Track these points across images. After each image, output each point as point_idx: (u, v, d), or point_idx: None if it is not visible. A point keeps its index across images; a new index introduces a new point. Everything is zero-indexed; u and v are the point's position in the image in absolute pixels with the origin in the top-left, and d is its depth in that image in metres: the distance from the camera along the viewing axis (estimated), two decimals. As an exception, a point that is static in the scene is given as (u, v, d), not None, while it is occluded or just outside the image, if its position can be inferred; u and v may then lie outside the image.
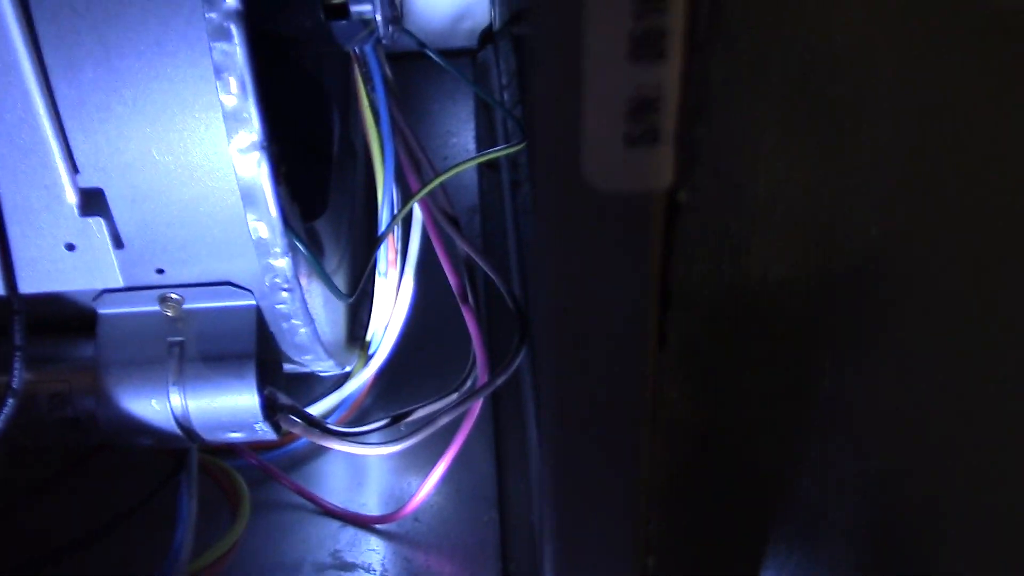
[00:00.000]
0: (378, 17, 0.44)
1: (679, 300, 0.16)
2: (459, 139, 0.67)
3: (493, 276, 0.47)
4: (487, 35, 0.73)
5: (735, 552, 0.22)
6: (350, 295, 0.41)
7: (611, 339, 0.16)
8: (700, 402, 0.18)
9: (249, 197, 0.34)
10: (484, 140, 0.67)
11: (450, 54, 0.70)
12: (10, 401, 0.27)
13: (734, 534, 0.22)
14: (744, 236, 0.19)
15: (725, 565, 0.22)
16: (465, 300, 0.47)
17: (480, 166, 0.63)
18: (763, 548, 0.24)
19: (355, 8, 0.43)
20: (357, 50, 0.47)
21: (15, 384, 0.27)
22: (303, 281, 0.37)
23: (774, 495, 0.24)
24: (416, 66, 0.64)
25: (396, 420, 0.45)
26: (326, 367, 0.43)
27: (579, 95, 0.13)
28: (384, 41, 0.45)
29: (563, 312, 0.16)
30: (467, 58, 0.73)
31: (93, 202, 0.34)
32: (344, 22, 0.44)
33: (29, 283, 0.34)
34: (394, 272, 0.49)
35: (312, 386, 0.50)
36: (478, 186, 0.63)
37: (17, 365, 0.27)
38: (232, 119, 0.32)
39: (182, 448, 0.41)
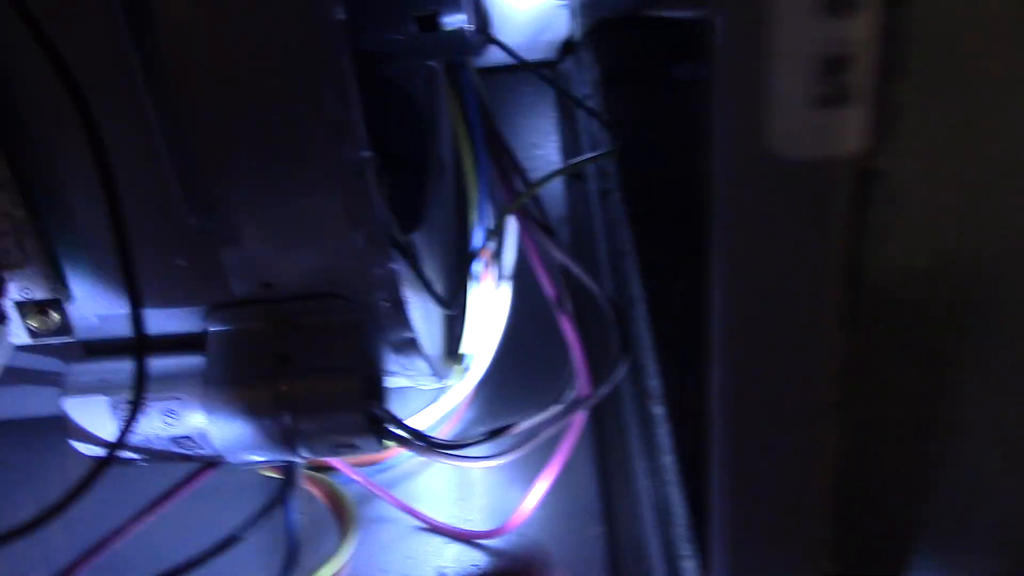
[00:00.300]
0: (469, 28, 0.44)
1: (870, 280, 0.15)
2: (543, 151, 0.66)
3: (591, 285, 0.46)
4: (567, 46, 0.73)
5: (884, 556, 0.21)
6: (450, 307, 0.40)
7: (794, 325, 0.15)
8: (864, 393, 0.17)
9: (354, 210, 0.34)
10: (569, 151, 0.66)
11: (535, 65, 0.70)
12: (133, 417, 0.27)
13: (882, 537, 0.21)
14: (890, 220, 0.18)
15: (875, 567, 0.21)
16: (563, 310, 0.46)
17: (567, 176, 0.63)
18: (907, 555, 0.23)
19: (446, 20, 0.43)
20: (447, 62, 0.47)
21: (141, 401, 0.27)
22: (406, 293, 0.37)
23: (919, 498, 0.23)
24: (496, 79, 0.64)
25: (499, 433, 0.44)
26: (427, 380, 0.43)
27: (767, 52, 0.12)
28: (475, 53, 0.45)
29: (743, 292, 0.15)
30: (547, 70, 0.73)
31: (205, 219, 0.34)
32: (435, 34, 0.44)
33: (148, 299, 0.34)
34: (489, 284, 0.48)
35: (409, 400, 0.49)
36: (565, 196, 0.63)
37: (142, 383, 0.27)
38: (335, 130, 0.32)
39: (287, 465, 0.41)
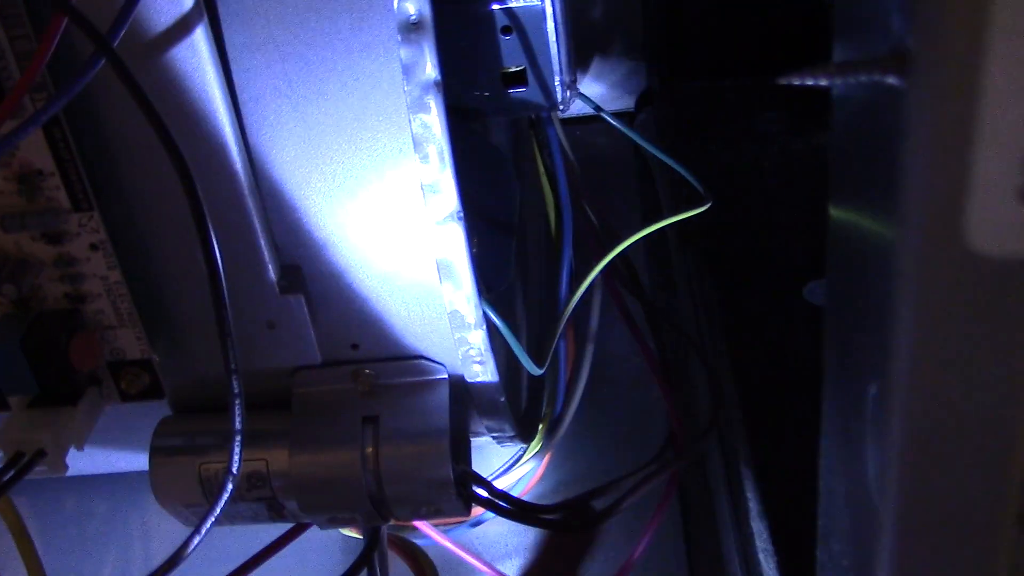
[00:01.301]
0: (558, 83, 0.43)
1: None
2: (623, 204, 0.66)
3: (685, 344, 0.45)
4: (646, 97, 0.72)
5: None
6: (540, 367, 0.40)
7: (985, 433, 0.14)
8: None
9: (445, 269, 0.33)
10: (649, 204, 0.66)
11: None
12: (229, 486, 0.27)
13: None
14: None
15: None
16: (658, 371, 0.45)
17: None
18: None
19: (534, 75, 0.43)
20: (533, 116, 0.46)
21: (234, 468, 0.27)
22: (494, 354, 0.36)
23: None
24: (572, 132, 0.63)
25: (591, 497, 0.43)
26: (510, 440, 0.42)
27: (971, 143, 0.11)
28: (561, 108, 0.45)
29: (931, 396, 0.14)
30: (624, 120, 0.72)
31: (292, 279, 0.34)
32: (523, 89, 0.43)
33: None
34: (571, 341, 0.47)
35: (490, 461, 0.49)
36: (644, 249, 0.62)
37: (237, 449, 0.26)
38: (430, 191, 0.32)
39: (371, 526, 0.40)
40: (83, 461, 0.36)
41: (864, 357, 0.19)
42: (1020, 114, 0.11)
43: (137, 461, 0.40)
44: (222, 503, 0.27)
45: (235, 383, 0.26)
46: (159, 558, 0.31)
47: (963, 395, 0.14)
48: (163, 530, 0.49)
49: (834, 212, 0.25)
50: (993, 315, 0.13)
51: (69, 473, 0.33)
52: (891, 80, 0.17)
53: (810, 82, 0.19)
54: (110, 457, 0.42)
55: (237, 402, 0.26)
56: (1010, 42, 0.11)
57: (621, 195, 0.66)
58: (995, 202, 0.12)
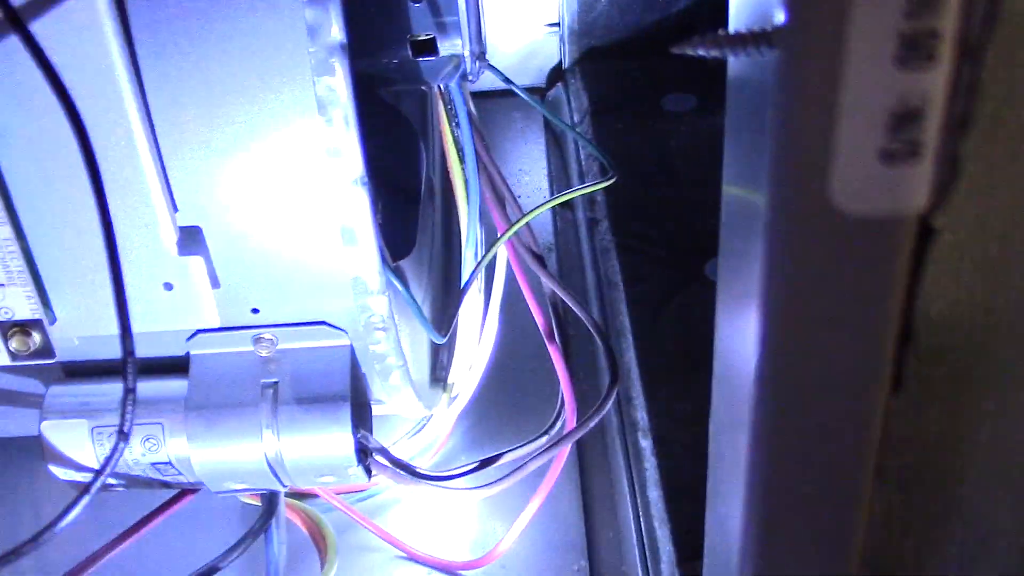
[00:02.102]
0: (466, 53, 0.43)
1: (919, 336, 0.14)
2: (532, 177, 0.66)
3: (581, 315, 0.46)
4: (556, 73, 0.73)
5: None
6: (442, 335, 0.40)
7: (840, 378, 0.15)
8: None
9: (348, 234, 0.33)
10: (558, 178, 0.66)
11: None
12: (120, 445, 0.26)
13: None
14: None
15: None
16: (552, 339, 0.46)
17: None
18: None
19: (444, 44, 0.43)
20: (442, 86, 0.46)
21: (126, 428, 0.26)
22: (396, 321, 0.36)
23: (930, 549, 0.22)
24: (485, 104, 0.63)
25: (485, 464, 0.43)
26: (413, 409, 0.42)
27: (835, 103, 0.12)
28: (471, 78, 0.45)
29: (794, 348, 0.15)
30: (536, 96, 0.72)
31: (191, 241, 0.33)
32: (432, 58, 0.43)
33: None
34: (477, 312, 0.48)
35: (393, 428, 0.49)
36: (552, 224, 0.63)
37: (129, 409, 0.26)
38: (334, 155, 0.32)
39: (269, 493, 0.40)
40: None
41: (746, 326, 0.19)
42: (879, 82, 0.12)
43: (24, 426, 0.39)
44: (113, 462, 0.26)
45: (128, 343, 0.26)
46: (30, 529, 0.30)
47: (827, 338, 0.14)
48: (54, 497, 0.48)
49: (725, 188, 0.26)
50: (857, 270, 0.13)
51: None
52: (764, 52, 0.18)
53: (700, 52, 0.19)
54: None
55: (130, 361, 0.26)
56: (871, 9, 0.11)
57: (530, 168, 0.67)
58: (856, 164, 0.12)
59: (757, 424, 0.16)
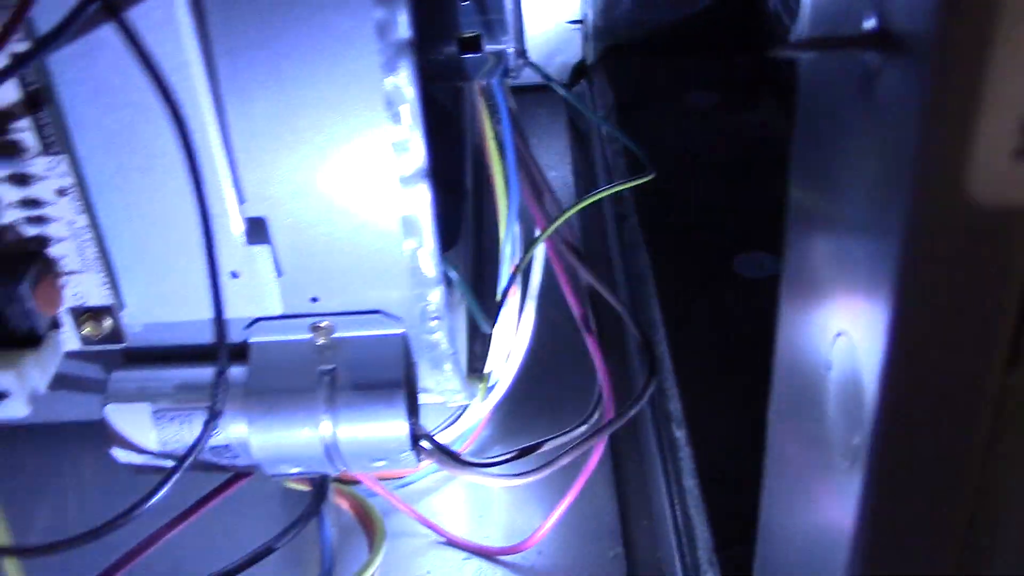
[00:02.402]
0: (510, 50, 0.44)
1: None
2: (558, 172, 0.67)
3: (619, 308, 0.47)
4: (579, 70, 0.74)
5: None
6: (492, 325, 0.41)
7: (961, 364, 0.16)
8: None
9: (409, 226, 0.34)
10: (583, 174, 0.67)
11: (542, 89, 0.71)
12: (215, 423, 0.27)
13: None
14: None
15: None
16: (590, 331, 0.47)
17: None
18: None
19: (489, 42, 0.44)
20: (482, 82, 0.47)
21: (219, 407, 0.27)
22: (447, 311, 0.37)
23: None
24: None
25: (525, 453, 0.44)
26: (459, 398, 0.43)
27: (976, 104, 0.13)
28: (512, 74, 0.46)
29: (921, 328, 0.16)
30: (557, 93, 0.73)
31: (257, 231, 0.34)
32: (477, 55, 0.44)
33: (195, 310, 0.34)
34: (515, 302, 0.49)
35: (428, 417, 0.50)
36: (579, 219, 0.64)
37: (220, 388, 0.27)
38: (400, 149, 0.33)
39: (319, 477, 0.41)
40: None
41: (820, 316, 0.20)
42: (1018, 86, 0.13)
43: (83, 411, 0.40)
44: (204, 441, 0.27)
45: (222, 327, 0.27)
46: (96, 512, 0.31)
47: (950, 319, 0.15)
48: (100, 481, 0.49)
49: (795, 191, 0.26)
50: (986, 257, 0.15)
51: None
52: (869, 56, 0.19)
53: (787, 55, 0.20)
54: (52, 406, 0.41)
55: (223, 345, 0.27)
56: (1015, 24, 0.12)
57: (555, 164, 0.68)
58: (994, 160, 0.13)
59: (880, 415, 0.17)
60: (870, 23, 0.19)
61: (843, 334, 0.21)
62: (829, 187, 0.22)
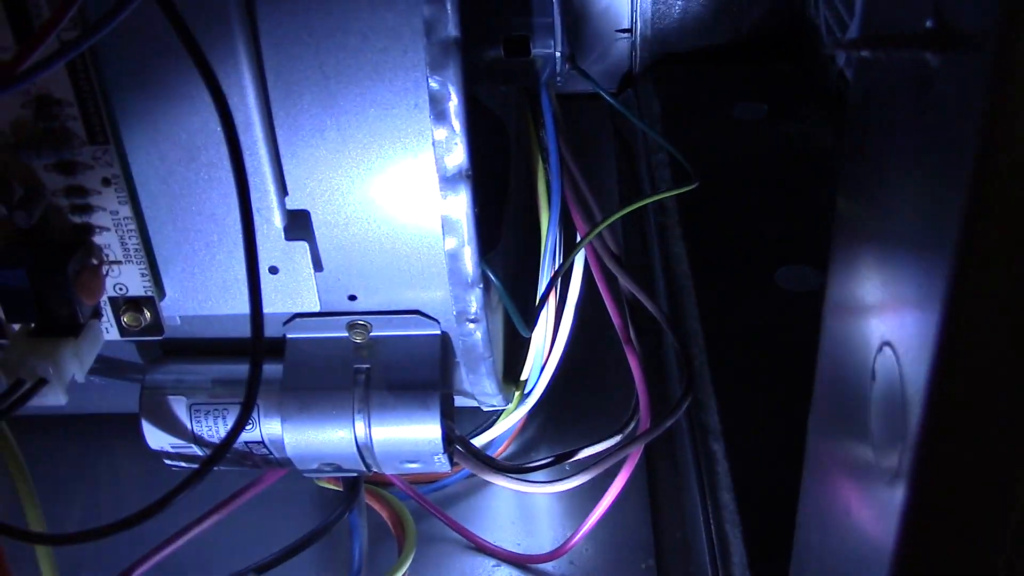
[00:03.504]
0: (558, 54, 0.44)
1: None
2: (602, 180, 0.67)
3: (658, 317, 0.46)
4: (627, 79, 0.73)
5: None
6: (530, 330, 0.41)
7: (1012, 367, 0.16)
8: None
9: (450, 226, 0.34)
10: (626, 182, 0.67)
11: (587, 97, 0.70)
12: (247, 419, 0.27)
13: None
14: None
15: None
16: (628, 340, 0.46)
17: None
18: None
19: (537, 45, 0.44)
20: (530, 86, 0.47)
21: (252, 402, 0.27)
22: (486, 313, 0.37)
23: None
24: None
25: (560, 459, 0.44)
26: (494, 401, 0.43)
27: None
28: (559, 80, 0.45)
29: (959, 340, 0.15)
30: (601, 102, 0.73)
31: (299, 226, 0.34)
32: (525, 58, 0.44)
33: (234, 304, 0.34)
34: (553, 308, 0.48)
35: (463, 420, 0.49)
36: (622, 228, 0.63)
37: (255, 384, 0.27)
38: (442, 147, 0.33)
39: (352, 477, 0.41)
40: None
41: (871, 329, 0.20)
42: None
43: (119, 403, 0.40)
44: (237, 435, 0.27)
45: (259, 319, 0.27)
46: (130, 502, 0.31)
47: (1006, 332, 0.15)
48: (133, 474, 0.49)
49: (842, 201, 0.26)
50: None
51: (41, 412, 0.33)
52: (928, 56, 0.18)
53: (846, 53, 0.20)
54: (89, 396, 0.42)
55: (257, 343, 0.27)
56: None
57: (598, 172, 0.67)
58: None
59: (924, 430, 0.17)
60: (927, 23, 0.18)
61: (888, 345, 0.20)
62: (878, 197, 0.21)
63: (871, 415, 0.22)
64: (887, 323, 0.20)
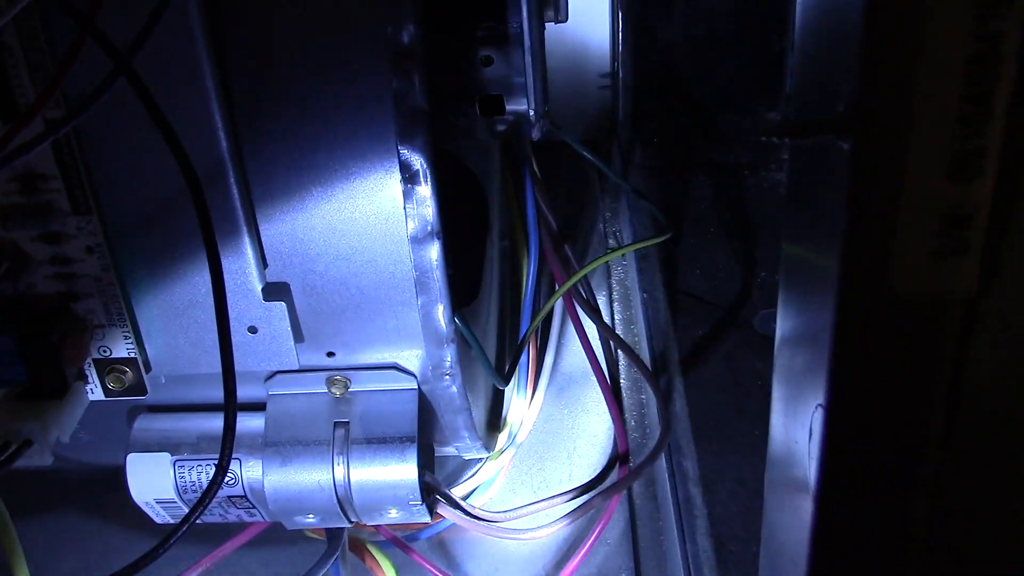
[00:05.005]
0: (532, 112, 0.45)
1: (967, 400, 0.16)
2: (584, 226, 0.68)
3: (636, 366, 0.47)
4: (609, 126, 0.75)
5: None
6: (505, 382, 0.42)
7: (896, 435, 0.17)
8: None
9: (423, 284, 0.35)
10: (611, 228, 0.68)
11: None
12: (219, 477, 0.28)
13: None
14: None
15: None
16: (607, 386, 0.47)
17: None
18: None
19: (510, 102, 0.45)
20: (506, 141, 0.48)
21: (226, 462, 0.28)
22: (461, 366, 0.38)
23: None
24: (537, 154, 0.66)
25: (539, 507, 0.45)
26: (474, 450, 0.44)
27: (896, 206, 0.14)
28: (535, 136, 0.47)
29: (854, 407, 0.16)
30: (589, 149, 0.74)
31: (276, 289, 0.35)
32: (500, 116, 0.45)
33: (215, 363, 0.35)
34: (533, 357, 0.50)
35: (446, 469, 0.50)
36: (606, 273, 0.64)
37: (229, 443, 0.28)
38: (412, 209, 0.34)
39: (333, 528, 0.42)
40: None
41: (809, 383, 0.21)
42: (935, 192, 0.14)
43: (110, 455, 0.41)
44: (212, 493, 0.28)
45: (231, 380, 0.28)
46: (117, 556, 0.32)
47: (881, 400, 0.16)
48: (120, 526, 0.50)
49: (786, 247, 0.27)
50: (912, 343, 0.15)
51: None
52: (842, 144, 0.20)
53: (774, 139, 0.21)
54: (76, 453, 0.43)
55: (230, 399, 0.28)
56: (928, 130, 0.13)
57: (581, 217, 0.69)
58: (914, 257, 0.14)
59: (820, 483, 0.18)
60: (839, 108, 0.20)
61: (819, 407, 0.21)
62: (810, 249, 0.22)
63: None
64: (817, 381, 0.22)
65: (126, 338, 0.34)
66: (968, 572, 0.19)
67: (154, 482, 0.38)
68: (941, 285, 0.14)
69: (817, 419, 0.22)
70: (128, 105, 0.30)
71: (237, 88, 0.32)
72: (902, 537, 0.18)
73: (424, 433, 0.39)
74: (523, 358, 0.49)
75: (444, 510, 0.42)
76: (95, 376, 0.35)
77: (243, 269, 0.34)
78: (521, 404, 0.49)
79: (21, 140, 0.27)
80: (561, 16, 0.43)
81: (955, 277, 0.14)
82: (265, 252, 0.34)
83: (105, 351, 0.35)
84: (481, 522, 0.43)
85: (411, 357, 0.38)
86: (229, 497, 0.38)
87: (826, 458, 0.17)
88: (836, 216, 0.16)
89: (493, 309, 0.51)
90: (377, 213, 0.34)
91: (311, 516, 0.39)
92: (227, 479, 0.38)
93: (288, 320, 0.35)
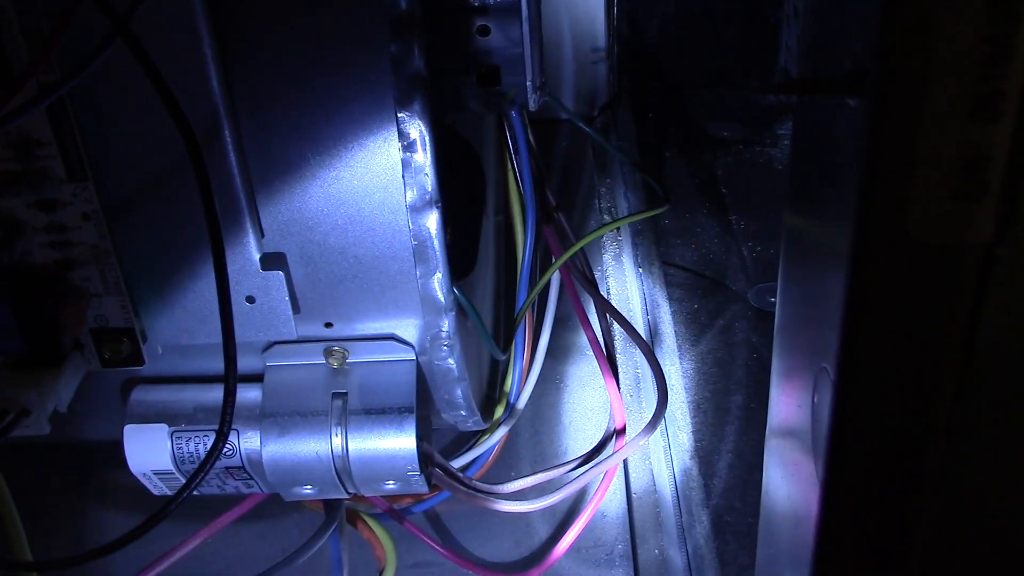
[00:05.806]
0: (529, 84, 0.45)
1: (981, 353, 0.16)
2: (580, 200, 0.68)
3: (633, 338, 0.47)
4: (606, 102, 0.74)
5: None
6: (503, 353, 0.42)
7: (909, 388, 0.17)
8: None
9: (421, 254, 0.35)
10: (606, 202, 0.68)
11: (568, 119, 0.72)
12: (222, 445, 0.28)
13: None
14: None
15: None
16: (603, 359, 0.47)
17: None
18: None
19: (507, 74, 0.45)
20: (502, 113, 0.48)
21: (226, 429, 0.28)
22: (459, 337, 0.38)
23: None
24: (536, 129, 0.65)
25: (537, 479, 0.45)
26: (471, 422, 0.44)
27: (915, 149, 0.14)
28: (531, 107, 0.47)
29: (871, 359, 0.16)
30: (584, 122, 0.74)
31: (274, 259, 0.35)
32: (496, 87, 0.45)
33: (212, 333, 0.35)
34: (530, 328, 0.49)
35: (444, 440, 0.50)
36: (600, 246, 0.64)
37: (229, 411, 0.28)
38: (411, 178, 0.34)
39: (332, 500, 0.42)
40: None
41: (813, 348, 0.21)
42: (954, 134, 0.14)
43: (106, 429, 0.41)
44: (212, 461, 0.28)
45: (231, 347, 0.28)
46: (113, 528, 0.32)
47: (899, 352, 0.16)
48: (119, 502, 0.50)
49: (789, 218, 0.27)
50: (928, 292, 0.15)
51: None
52: (850, 101, 0.19)
53: (781, 96, 0.21)
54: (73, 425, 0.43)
55: (230, 366, 0.28)
56: (949, 73, 0.13)
57: (578, 192, 0.68)
58: (932, 202, 0.14)
59: (833, 429, 0.18)
60: (848, 66, 0.19)
61: (824, 368, 0.21)
62: (815, 218, 0.22)
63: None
64: (823, 344, 0.22)
65: (123, 307, 0.34)
66: (982, 525, 0.19)
67: (151, 453, 0.38)
68: (958, 230, 0.14)
69: (824, 381, 0.22)
70: (125, 68, 0.30)
71: (234, 53, 0.32)
72: (917, 490, 0.18)
73: (422, 404, 0.39)
74: (520, 331, 0.49)
75: (441, 481, 0.42)
76: (92, 345, 0.35)
77: (241, 238, 0.34)
78: (518, 377, 0.49)
79: (15, 104, 0.27)
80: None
81: (973, 222, 0.14)
82: (262, 222, 0.34)
83: (102, 320, 0.34)
84: (478, 494, 0.43)
85: (409, 327, 0.38)
86: (227, 468, 0.38)
87: (838, 415, 0.17)
88: (849, 170, 0.16)
89: (489, 283, 0.51)
90: (375, 182, 0.34)
91: (309, 487, 0.38)
92: (225, 450, 0.38)
93: (286, 290, 0.35)
